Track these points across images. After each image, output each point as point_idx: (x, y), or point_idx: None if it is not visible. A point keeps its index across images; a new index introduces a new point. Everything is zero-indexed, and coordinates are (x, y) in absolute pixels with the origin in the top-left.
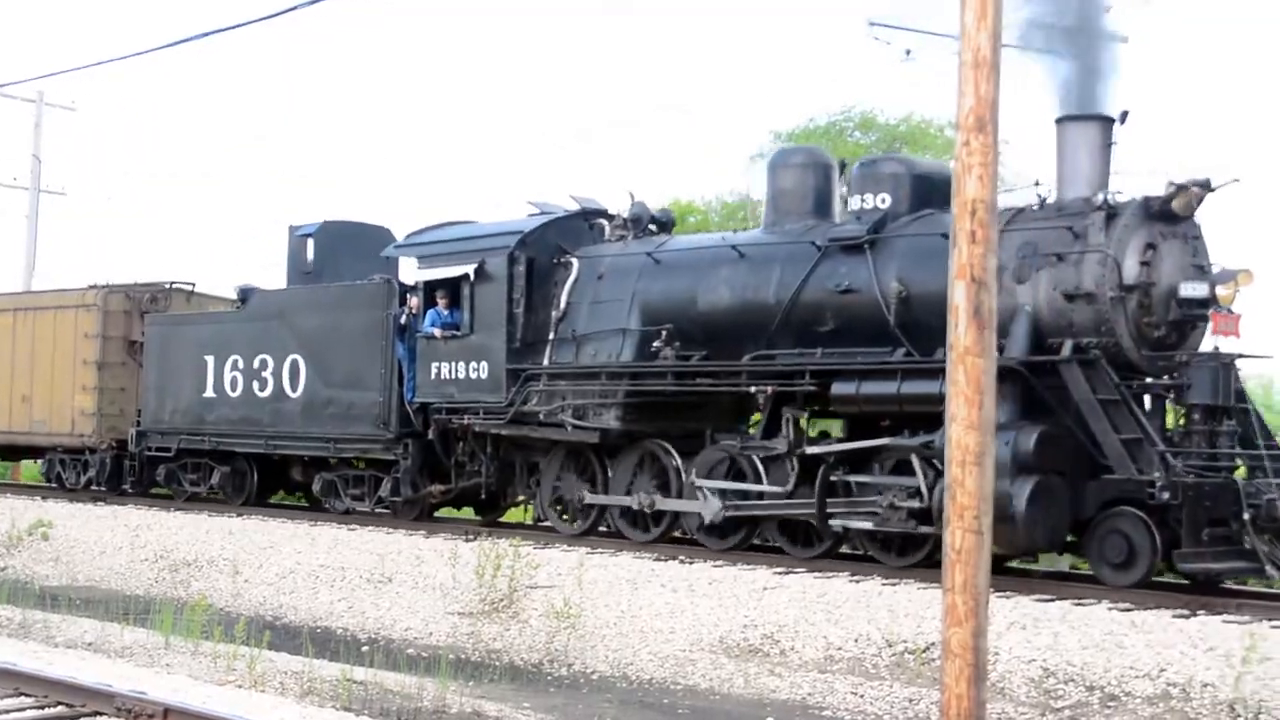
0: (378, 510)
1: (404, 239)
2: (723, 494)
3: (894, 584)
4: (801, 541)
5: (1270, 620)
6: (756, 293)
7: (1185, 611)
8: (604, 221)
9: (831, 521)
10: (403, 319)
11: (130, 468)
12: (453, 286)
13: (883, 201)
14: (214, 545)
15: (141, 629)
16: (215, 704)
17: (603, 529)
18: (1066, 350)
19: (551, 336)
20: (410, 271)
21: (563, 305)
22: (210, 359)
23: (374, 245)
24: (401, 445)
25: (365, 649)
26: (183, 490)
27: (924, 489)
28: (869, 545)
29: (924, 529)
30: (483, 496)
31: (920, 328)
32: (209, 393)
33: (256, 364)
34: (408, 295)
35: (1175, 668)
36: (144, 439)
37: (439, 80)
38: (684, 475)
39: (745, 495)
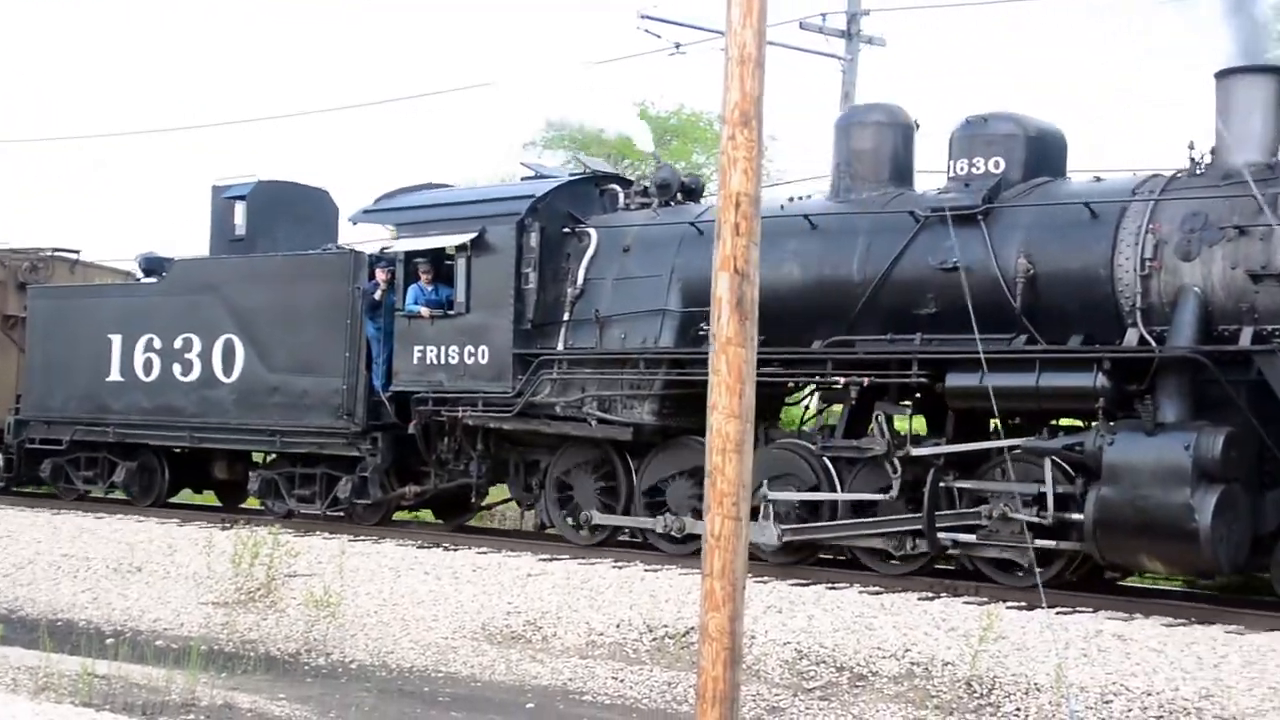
0: (329, 513)
1: (374, 203)
2: (786, 514)
3: (656, 570)
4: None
5: (1006, 601)
6: (835, 269)
7: (930, 594)
8: (616, 187)
9: (941, 536)
10: (376, 294)
11: (6, 462)
12: (437, 259)
13: (996, 166)
14: None
15: None
16: None
17: (624, 538)
18: (1246, 338)
19: (566, 317)
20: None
21: (579, 282)
22: (116, 338)
23: (314, 210)
24: (369, 439)
25: (110, 641)
26: (72, 489)
27: (1050, 497)
28: (982, 563)
29: (1043, 543)
30: (474, 500)
31: (1050, 312)
32: (114, 376)
33: (179, 344)
34: (375, 268)
35: (920, 647)
36: (25, 429)
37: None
38: None
39: (817, 508)
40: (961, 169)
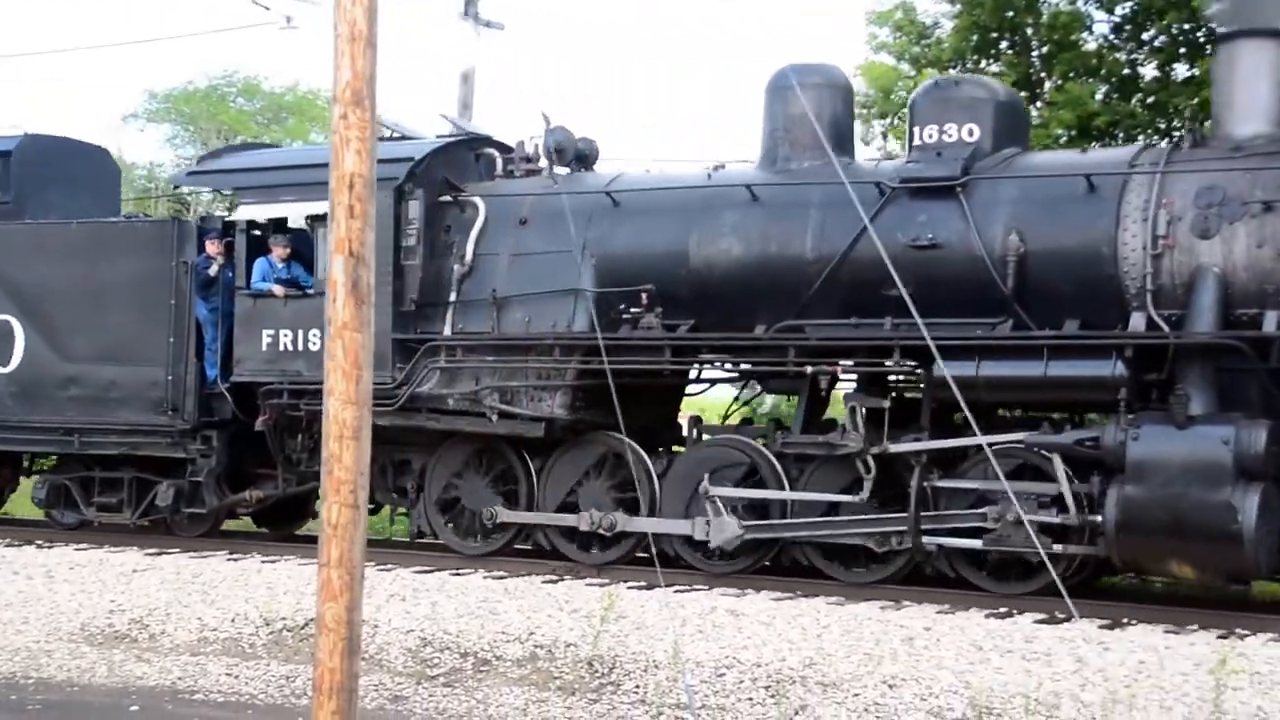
0: (140, 523)
1: (199, 164)
2: (737, 510)
3: (274, 561)
4: (850, 562)
5: (627, 582)
6: (784, 246)
7: (554, 577)
8: (493, 152)
9: (926, 540)
10: (211, 270)
11: None
12: (283, 228)
13: (970, 134)
14: None
15: None
16: None
17: (522, 545)
18: (1271, 323)
19: (453, 298)
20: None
21: (468, 257)
22: None
23: (92, 170)
24: (200, 438)
25: None
26: None
27: (1069, 498)
28: (965, 568)
29: (1063, 548)
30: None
31: (1042, 294)
32: None
33: None
34: (206, 239)
35: (543, 630)
36: None
37: None
38: (655, 480)
39: (765, 513)
40: (930, 137)
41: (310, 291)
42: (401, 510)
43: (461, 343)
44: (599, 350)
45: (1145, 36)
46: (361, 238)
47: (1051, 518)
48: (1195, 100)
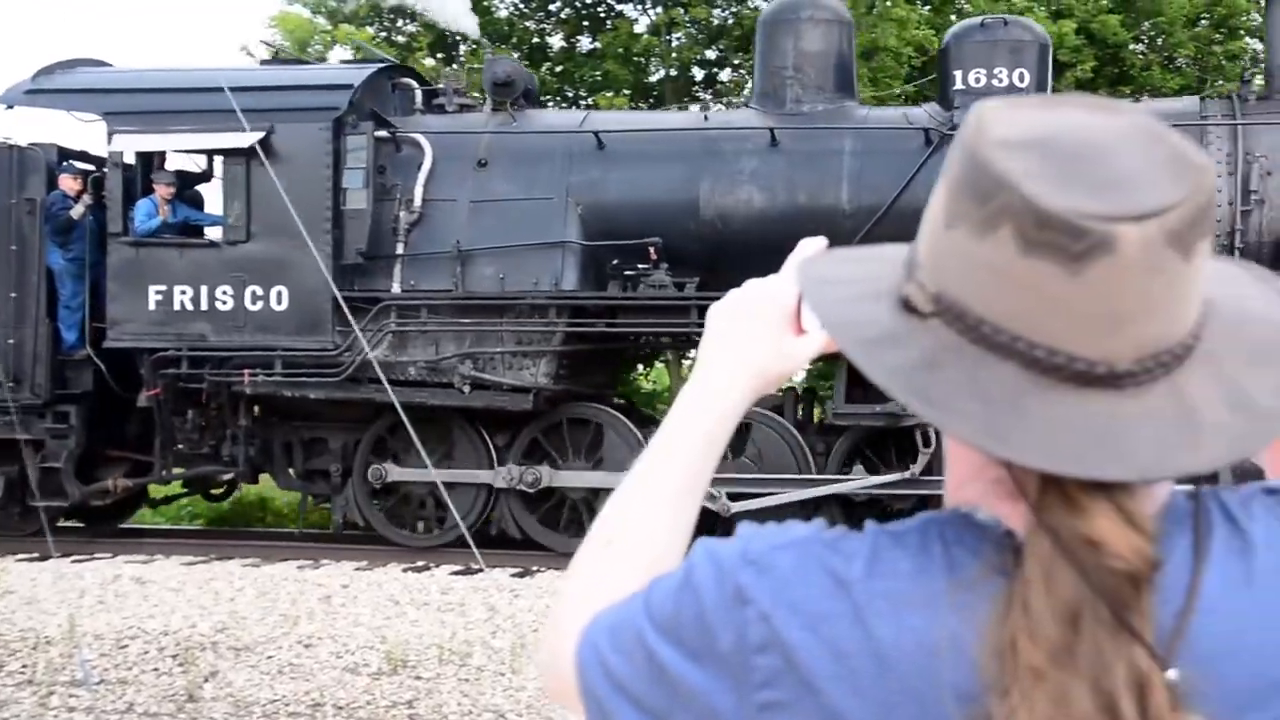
0: None
1: (34, 81)
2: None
3: None
4: None
5: (16, 555)
6: (815, 196)
7: None
8: (412, 83)
9: None
10: (74, 212)
11: None
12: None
13: (1021, 79)
14: None
15: None
16: None
17: (498, 534)
18: None
19: (400, 250)
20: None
21: (416, 204)
22: None
23: None
24: (56, 416)
25: None
26: None
27: None
28: None
29: None
30: (233, 487)
31: None
32: None
33: None
34: (61, 174)
35: None
36: None
37: None
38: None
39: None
40: (976, 81)
41: (218, 241)
42: (314, 498)
43: (428, 302)
44: (589, 311)
45: (552, 9)
46: None
47: None
48: None
